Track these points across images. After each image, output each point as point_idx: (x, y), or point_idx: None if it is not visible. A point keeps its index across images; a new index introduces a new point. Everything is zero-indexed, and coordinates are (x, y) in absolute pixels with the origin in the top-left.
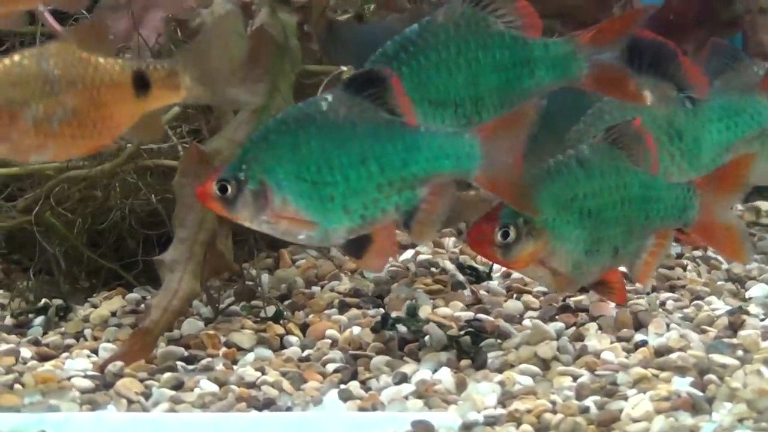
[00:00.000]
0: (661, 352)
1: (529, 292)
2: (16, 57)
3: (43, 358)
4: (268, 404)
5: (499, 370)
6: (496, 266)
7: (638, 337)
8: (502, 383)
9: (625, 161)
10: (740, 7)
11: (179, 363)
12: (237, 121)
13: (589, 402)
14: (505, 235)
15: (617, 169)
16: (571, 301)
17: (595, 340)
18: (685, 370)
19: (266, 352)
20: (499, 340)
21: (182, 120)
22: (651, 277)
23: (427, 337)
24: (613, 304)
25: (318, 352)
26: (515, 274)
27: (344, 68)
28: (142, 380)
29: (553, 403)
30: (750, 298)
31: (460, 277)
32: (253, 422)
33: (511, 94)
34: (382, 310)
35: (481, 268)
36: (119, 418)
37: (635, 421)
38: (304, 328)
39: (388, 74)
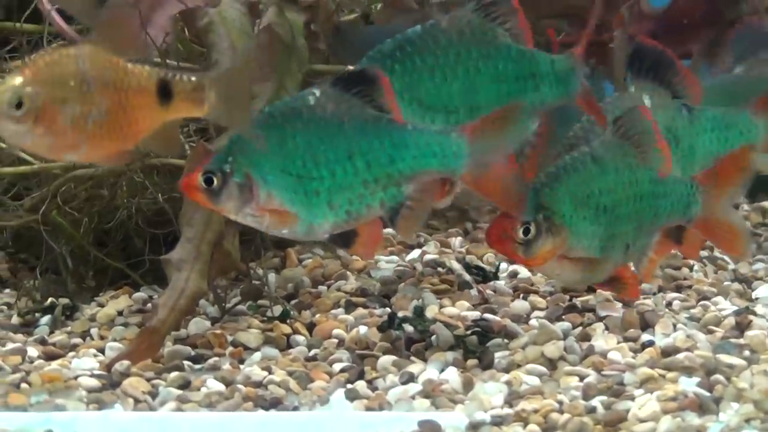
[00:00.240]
0: (668, 352)
1: (536, 292)
2: (54, 55)
3: (50, 357)
4: (275, 404)
5: (506, 370)
6: (502, 266)
7: (645, 337)
8: (509, 383)
9: (634, 157)
10: (746, 8)
11: (186, 362)
12: None
13: (596, 402)
14: (526, 231)
15: (629, 165)
16: (578, 301)
17: (602, 340)
18: (692, 371)
19: (273, 352)
20: (505, 340)
21: (189, 119)
22: (654, 275)
23: (433, 337)
24: (620, 304)
25: (325, 351)
26: (522, 274)
27: (351, 68)
28: (148, 379)
29: (560, 403)
30: (757, 299)
31: (467, 277)
32: (260, 422)
33: None
34: (388, 310)
35: (487, 268)
36: (126, 417)
37: (642, 421)
38: (310, 327)
39: (379, 75)
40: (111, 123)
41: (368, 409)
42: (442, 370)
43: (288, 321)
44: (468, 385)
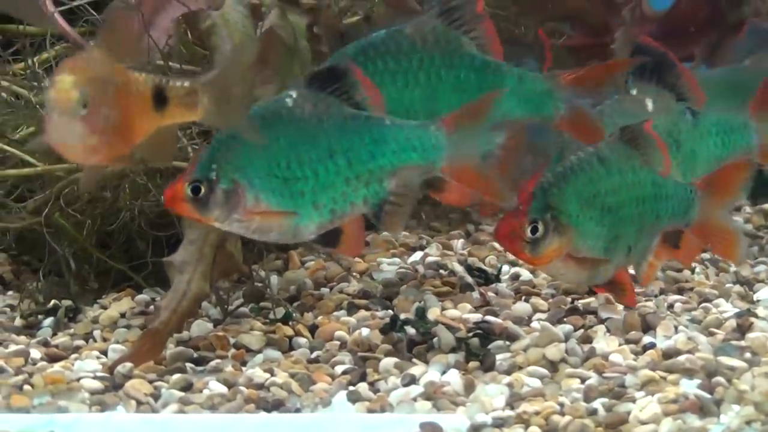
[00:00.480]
0: (669, 354)
1: (538, 295)
2: (80, 59)
3: (53, 359)
4: (277, 406)
5: (508, 372)
6: (504, 268)
7: (646, 339)
8: (510, 385)
9: (638, 160)
10: (748, 10)
11: (188, 364)
12: None
13: (597, 404)
14: (534, 230)
15: (633, 168)
16: (580, 303)
17: (604, 342)
18: (693, 373)
19: (275, 354)
20: (507, 342)
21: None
22: (656, 277)
23: (435, 339)
24: (621, 306)
25: (327, 353)
26: (523, 277)
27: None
28: (151, 381)
29: (561, 405)
30: (758, 301)
31: (469, 279)
32: (262, 423)
33: None
34: (390, 312)
35: (489, 270)
36: (128, 419)
37: (643, 423)
38: (313, 329)
39: (349, 68)
40: (117, 127)
41: (370, 411)
42: (443, 372)
43: (290, 323)
44: (469, 387)
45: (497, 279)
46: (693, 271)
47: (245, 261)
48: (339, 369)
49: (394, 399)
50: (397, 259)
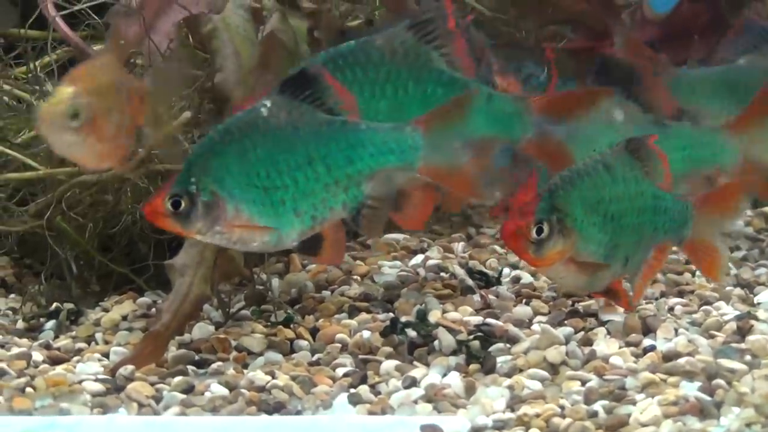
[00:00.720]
0: (670, 356)
1: (538, 297)
2: (90, 66)
3: (55, 361)
4: (278, 408)
5: (508, 375)
6: (505, 271)
7: (647, 341)
8: (511, 387)
9: (641, 171)
10: (749, 13)
11: (190, 367)
12: None
13: (598, 406)
14: (540, 231)
15: (636, 178)
16: (580, 305)
17: (604, 344)
18: (694, 375)
19: (276, 356)
20: (508, 345)
21: (193, 125)
22: (643, 295)
23: (436, 342)
24: (622, 309)
25: (328, 356)
26: (524, 279)
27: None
28: (152, 384)
29: (562, 407)
30: (758, 304)
31: (470, 282)
32: (263, 426)
33: None
34: (391, 315)
35: (490, 273)
36: (130, 421)
37: (643, 425)
38: (314, 332)
39: (320, 73)
40: (130, 128)
41: (371, 413)
42: (444, 375)
43: (291, 326)
44: (470, 390)
45: (498, 282)
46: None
47: (246, 264)
48: (340, 371)
49: (395, 401)
50: (398, 262)
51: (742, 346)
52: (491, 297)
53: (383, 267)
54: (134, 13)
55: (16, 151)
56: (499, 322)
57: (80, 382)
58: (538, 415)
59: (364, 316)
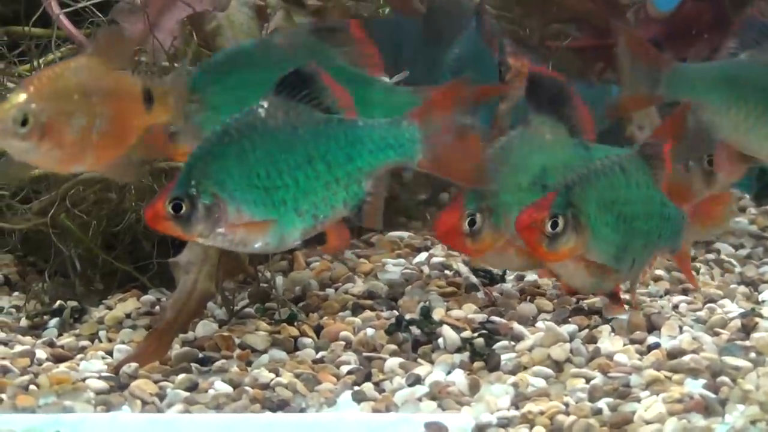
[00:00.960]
0: (674, 354)
1: (543, 295)
2: (56, 70)
3: (58, 359)
4: (282, 406)
5: (513, 372)
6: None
7: (651, 339)
8: (515, 385)
9: (651, 177)
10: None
11: (194, 364)
12: None
13: (602, 404)
14: (554, 225)
15: (647, 183)
16: (584, 303)
17: (608, 342)
18: (698, 373)
19: (280, 354)
20: (512, 342)
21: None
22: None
23: (440, 339)
24: (626, 307)
25: (332, 353)
26: (528, 277)
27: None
28: (156, 381)
29: (566, 404)
30: (763, 301)
31: (474, 280)
32: (267, 424)
33: None
34: (395, 312)
35: (494, 270)
36: (134, 419)
37: (648, 423)
38: (318, 329)
39: (316, 72)
40: (110, 132)
41: (375, 410)
42: (448, 372)
43: (295, 323)
44: (474, 387)
45: (502, 279)
46: (698, 271)
47: (250, 261)
48: (344, 369)
49: (399, 399)
50: (402, 260)
51: (747, 343)
52: (495, 294)
53: (387, 265)
54: (138, 11)
55: None
56: (504, 320)
57: (84, 379)
58: (542, 413)
59: (368, 313)
